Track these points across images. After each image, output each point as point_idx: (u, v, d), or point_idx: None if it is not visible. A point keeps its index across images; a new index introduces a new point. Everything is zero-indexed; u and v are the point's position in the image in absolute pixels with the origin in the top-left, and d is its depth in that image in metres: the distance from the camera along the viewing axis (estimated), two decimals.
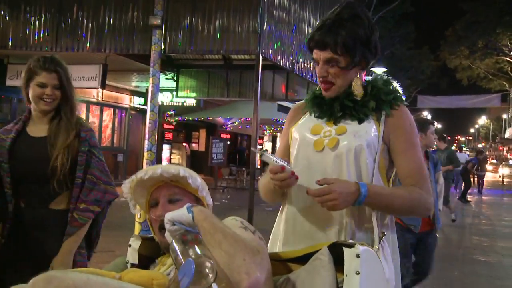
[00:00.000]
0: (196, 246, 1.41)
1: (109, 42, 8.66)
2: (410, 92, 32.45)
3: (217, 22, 8.18)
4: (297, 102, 2.11)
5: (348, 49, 1.76)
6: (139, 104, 17.07)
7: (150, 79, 7.02)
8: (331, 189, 1.67)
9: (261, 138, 24.50)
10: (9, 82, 10.74)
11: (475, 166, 18.15)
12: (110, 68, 10.41)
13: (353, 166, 1.79)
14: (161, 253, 1.77)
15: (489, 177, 32.23)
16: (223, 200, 13.04)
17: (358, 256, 1.51)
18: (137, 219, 6.49)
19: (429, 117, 49.88)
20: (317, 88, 1.94)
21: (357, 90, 1.84)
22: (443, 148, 10.68)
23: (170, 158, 18.47)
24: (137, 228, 6.50)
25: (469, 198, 16.73)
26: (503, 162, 39.98)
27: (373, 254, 1.59)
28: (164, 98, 14.43)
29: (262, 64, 8.15)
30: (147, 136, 6.99)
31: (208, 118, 17.87)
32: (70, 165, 2.42)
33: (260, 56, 8.07)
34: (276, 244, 1.96)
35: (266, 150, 1.86)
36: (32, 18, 9.04)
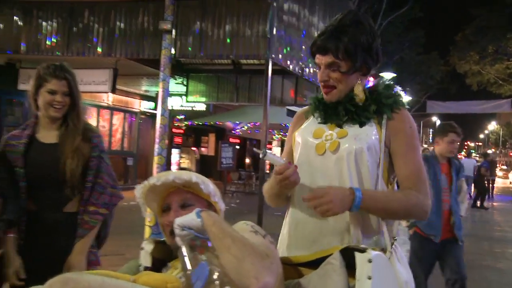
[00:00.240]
0: (204, 253, 1.42)
1: (120, 46, 8.71)
2: (419, 97, 32.28)
3: (227, 27, 8.21)
4: (303, 107, 2.14)
5: (349, 54, 1.79)
6: (149, 109, 17.13)
7: (160, 83, 7.04)
8: (325, 191, 1.68)
9: (270, 143, 24.49)
10: (21, 86, 10.83)
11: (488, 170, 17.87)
12: (121, 72, 10.46)
13: (354, 169, 1.80)
14: (173, 256, 1.78)
15: (499, 183, 31.96)
16: (232, 205, 13.03)
17: (370, 261, 1.51)
18: (147, 223, 6.50)
19: (438, 123, 49.62)
20: (320, 93, 1.97)
21: (359, 95, 1.85)
22: None
23: (180, 163, 18.50)
24: (147, 232, 6.51)
25: (478, 203, 16.54)
26: None
27: (385, 259, 1.60)
28: (174, 103, 14.48)
29: (271, 69, 8.17)
30: (157, 140, 7.00)
31: (217, 122, 17.89)
32: (81, 170, 2.48)
33: (270, 61, 8.08)
34: (280, 248, 1.97)
35: (269, 150, 1.88)
36: (44, 23, 9.12)
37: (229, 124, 18.11)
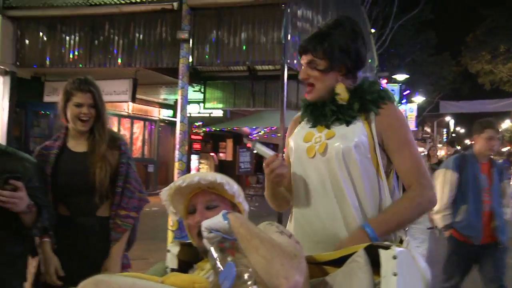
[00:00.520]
0: (234, 254, 1.41)
1: (139, 57, 8.78)
2: (432, 98, 31.99)
3: (242, 34, 8.21)
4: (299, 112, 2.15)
5: (326, 53, 1.84)
6: (168, 116, 17.23)
7: (179, 91, 7.09)
8: (341, 245, 1.72)
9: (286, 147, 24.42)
10: (46, 99, 10.96)
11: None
12: (140, 82, 10.54)
13: (344, 168, 1.80)
14: (199, 258, 1.77)
15: None
16: (252, 208, 12.96)
17: (395, 257, 1.49)
18: (169, 227, 6.52)
19: (451, 122, 49.00)
20: None
21: (341, 94, 1.86)
22: (452, 152, 10.32)
23: (199, 168, 18.56)
24: (170, 236, 6.52)
25: None
26: None
27: (409, 255, 1.57)
28: (192, 110, 14.55)
29: (287, 74, 8.16)
30: (177, 146, 7.03)
31: (235, 128, 17.92)
32: (110, 176, 2.54)
33: (285, 66, 8.08)
34: None
35: (258, 141, 1.92)
36: (67, 38, 9.23)
37: (246, 129, 18.14)
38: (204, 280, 1.48)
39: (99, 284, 1.24)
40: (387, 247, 1.52)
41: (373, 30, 18.58)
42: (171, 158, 9.95)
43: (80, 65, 9.09)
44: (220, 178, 1.74)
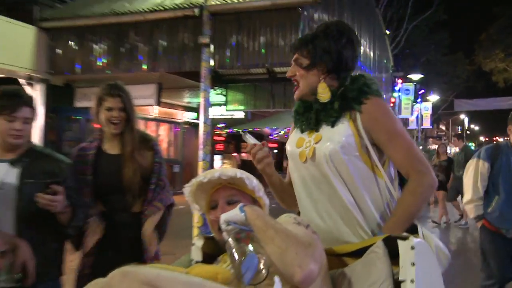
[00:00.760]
0: (249, 244, 1.41)
1: (163, 62, 8.86)
2: (447, 97, 31.54)
3: (261, 38, 8.21)
4: None
5: (309, 51, 1.87)
6: (192, 119, 17.32)
7: (202, 93, 7.11)
8: None
9: None
10: (77, 104, 11.14)
11: None
12: (165, 86, 10.62)
13: (334, 169, 1.78)
14: (222, 251, 1.77)
15: None
16: (273, 205, 12.92)
17: (412, 248, 1.48)
18: (195, 224, 6.54)
19: (466, 120, 48.22)
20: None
21: (322, 93, 1.85)
22: (461, 147, 10.08)
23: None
24: (195, 232, 6.55)
25: None
26: None
27: (427, 246, 1.55)
28: (215, 112, 14.61)
29: None
30: (201, 146, 7.05)
31: (255, 129, 17.95)
32: (142, 175, 2.60)
33: None
34: None
35: (247, 133, 2.01)
36: (95, 46, 9.37)
37: (266, 130, 18.14)
38: (227, 271, 1.48)
39: (126, 274, 1.25)
40: (405, 238, 1.51)
41: (388, 32, 18.38)
42: (195, 158, 10.00)
43: (108, 72, 9.22)
44: (240, 173, 1.74)
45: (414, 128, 24.84)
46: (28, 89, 9.08)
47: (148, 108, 14.51)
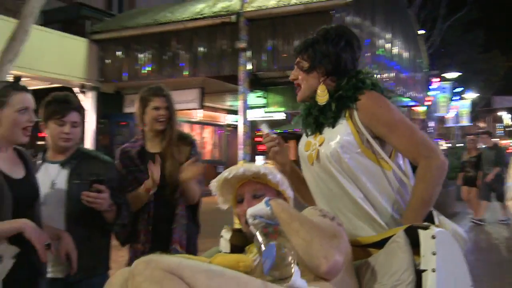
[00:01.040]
0: (276, 238, 1.40)
1: (203, 67, 8.97)
2: (485, 94, 30.39)
3: (295, 42, 8.18)
4: None
5: (309, 55, 1.86)
6: (234, 121, 17.44)
7: (240, 95, 7.16)
8: None
9: None
10: (126, 110, 11.45)
11: None
12: (207, 91, 10.74)
13: (338, 168, 1.76)
14: (248, 242, 1.76)
15: None
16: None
17: (433, 237, 1.43)
18: (236, 222, 6.57)
19: (506, 116, 46.21)
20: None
21: (321, 95, 1.83)
22: (491, 145, 9.23)
23: None
24: None
25: None
26: None
27: (448, 235, 1.50)
28: (256, 114, 14.65)
29: None
30: (240, 146, 7.09)
31: (295, 129, 17.89)
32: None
33: None
34: None
35: (264, 122, 2.02)
36: (140, 55, 9.61)
37: None
38: (248, 259, 1.47)
39: (150, 262, 1.26)
40: (426, 228, 1.47)
41: (423, 32, 17.90)
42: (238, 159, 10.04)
43: (152, 78, 9.43)
44: (263, 169, 1.74)
45: (452, 125, 24.05)
46: (81, 97, 9.42)
47: (192, 111, 14.71)
